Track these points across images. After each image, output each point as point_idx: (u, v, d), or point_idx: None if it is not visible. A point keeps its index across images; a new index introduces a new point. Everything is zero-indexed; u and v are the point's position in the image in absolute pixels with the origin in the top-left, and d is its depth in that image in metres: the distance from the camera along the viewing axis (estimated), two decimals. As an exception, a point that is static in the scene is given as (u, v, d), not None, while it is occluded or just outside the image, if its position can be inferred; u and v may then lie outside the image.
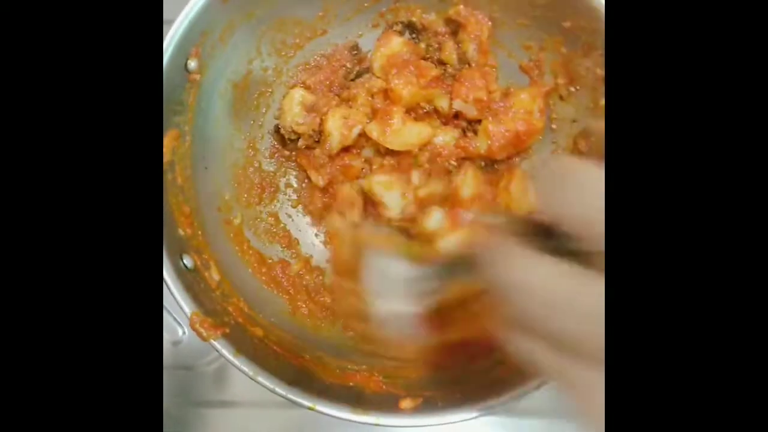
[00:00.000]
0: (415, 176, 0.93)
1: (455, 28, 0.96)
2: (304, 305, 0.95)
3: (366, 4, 0.98)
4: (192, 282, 0.80)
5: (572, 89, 0.95)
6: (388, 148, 0.91)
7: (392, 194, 0.92)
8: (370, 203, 0.95)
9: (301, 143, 0.96)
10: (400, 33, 0.98)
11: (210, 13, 0.84)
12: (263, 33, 0.95)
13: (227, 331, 0.77)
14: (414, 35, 0.98)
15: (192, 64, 0.85)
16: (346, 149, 0.96)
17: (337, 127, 0.92)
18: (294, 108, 0.94)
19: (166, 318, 1.09)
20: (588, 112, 0.93)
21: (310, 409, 0.74)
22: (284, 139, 0.98)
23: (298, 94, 0.94)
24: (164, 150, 0.83)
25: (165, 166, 0.83)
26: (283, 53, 0.99)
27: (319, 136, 0.96)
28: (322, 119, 0.94)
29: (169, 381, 1.06)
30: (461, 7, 0.93)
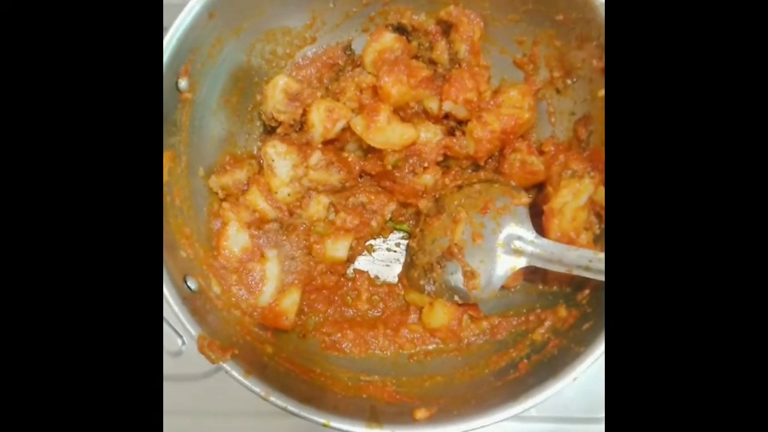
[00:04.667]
0: (315, 157, 0.92)
1: (446, 27, 0.95)
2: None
3: (354, 9, 0.97)
4: (198, 304, 0.80)
5: (568, 82, 0.93)
6: (370, 145, 0.91)
7: (284, 162, 0.91)
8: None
9: (280, 131, 0.95)
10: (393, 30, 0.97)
11: (197, 30, 0.83)
12: (253, 45, 0.94)
13: (236, 351, 0.77)
14: (404, 36, 0.97)
15: (183, 83, 0.84)
16: (329, 142, 0.95)
17: (321, 119, 0.91)
18: (276, 95, 0.92)
19: (166, 329, 1.08)
20: (586, 104, 0.92)
21: (324, 425, 0.73)
22: (265, 125, 0.98)
23: (282, 81, 0.92)
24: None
25: (163, 188, 0.82)
26: (274, 64, 0.98)
27: (300, 126, 0.95)
28: (305, 110, 0.93)
29: (169, 391, 1.05)
30: (452, 7, 0.92)
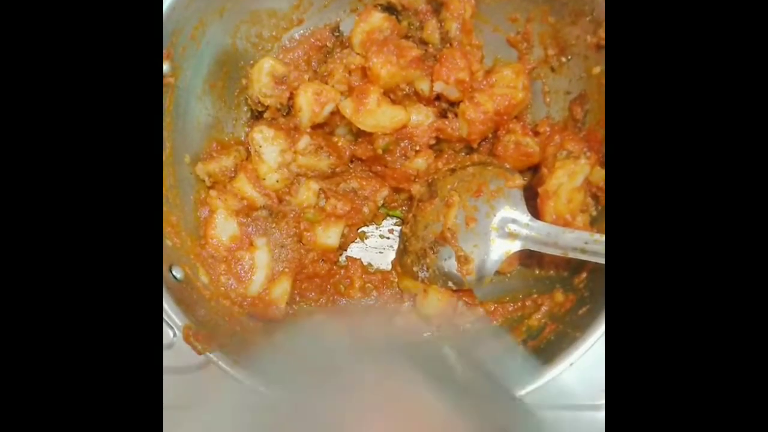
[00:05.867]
0: (303, 142, 0.89)
1: (437, 6, 0.92)
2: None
3: (342, -12, 0.94)
4: (184, 295, 0.78)
5: (563, 60, 0.90)
6: (360, 128, 0.88)
7: (272, 148, 0.88)
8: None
9: (267, 115, 0.93)
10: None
11: (178, 12, 0.80)
12: (237, 27, 0.91)
13: (224, 341, 0.75)
14: (394, 16, 0.94)
15: (165, 66, 0.81)
16: (318, 126, 0.92)
17: (309, 103, 0.88)
18: (262, 78, 0.89)
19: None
20: (581, 82, 0.89)
21: (314, 415, 0.71)
22: (252, 111, 0.95)
23: (268, 64, 0.89)
24: (143, 159, 0.80)
25: (146, 176, 0.80)
26: (260, 47, 0.95)
27: (288, 110, 0.92)
28: (292, 93, 0.90)
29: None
30: (442, -17, 0.89)
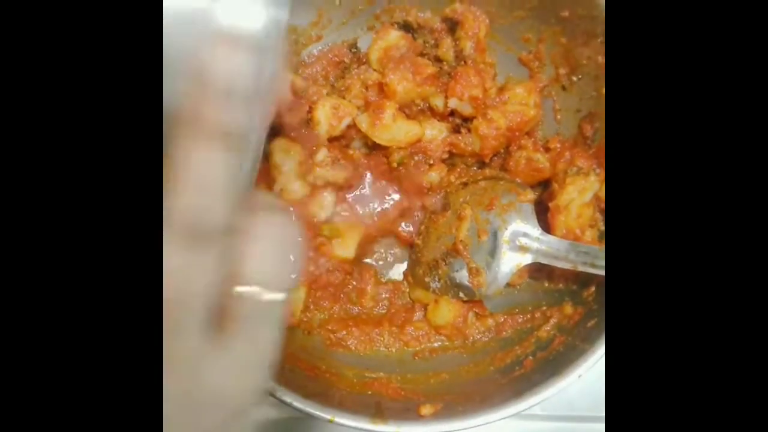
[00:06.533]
0: (321, 154, 0.92)
1: (452, 25, 0.95)
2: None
3: (360, 7, 0.97)
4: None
5: (574, 79, 0.93)
6: (375, 142, 0.91)
7: (289, 160, 0.90)
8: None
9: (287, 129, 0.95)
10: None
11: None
12: (258, 43, 0.94)
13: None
14: (410, 34, 0.97)
15: (188, 80, 0.84)
16: (334, 139, 0.95)
17: (326, 117, 0.91)
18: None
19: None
20: (591, 101, 0.91)
21: (330, 421, 0.73)
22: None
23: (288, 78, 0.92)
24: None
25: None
26: (279, 62, 0.98)
27: (306, 123, 0.95)
28: (311, 107, 0.93)
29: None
30: (458, 4, 0.92)
